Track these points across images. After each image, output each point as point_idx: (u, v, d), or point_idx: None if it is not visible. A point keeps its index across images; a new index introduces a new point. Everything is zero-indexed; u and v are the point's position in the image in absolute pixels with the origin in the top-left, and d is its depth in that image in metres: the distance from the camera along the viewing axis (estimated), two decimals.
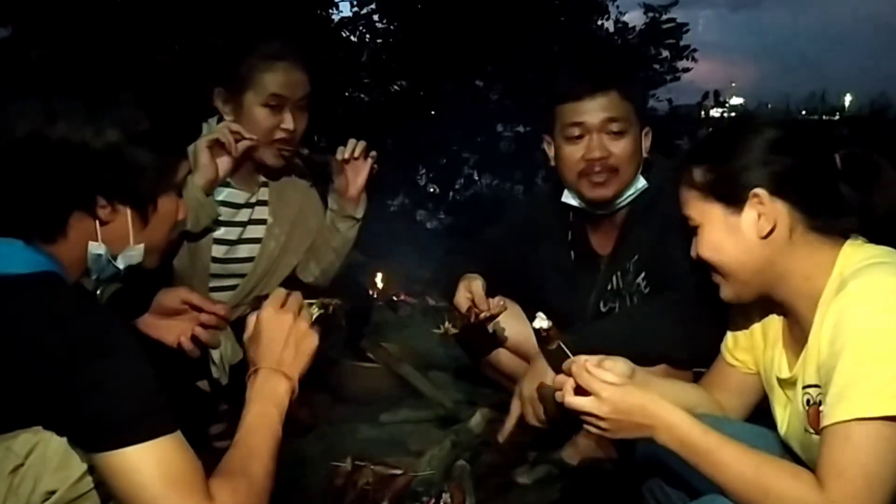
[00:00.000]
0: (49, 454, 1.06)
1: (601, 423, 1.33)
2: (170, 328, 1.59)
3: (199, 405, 2.20)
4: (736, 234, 1.38)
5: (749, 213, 1.36)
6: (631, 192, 2.05)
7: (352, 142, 2.15)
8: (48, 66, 1.18)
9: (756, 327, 1.53)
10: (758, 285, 1.41)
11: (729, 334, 1.59)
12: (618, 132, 1.99)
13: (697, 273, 1.54)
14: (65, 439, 1.06)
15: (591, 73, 2.03)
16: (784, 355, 1.46)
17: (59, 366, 1.02)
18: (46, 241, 1.15)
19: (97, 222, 1.17)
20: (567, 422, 1.48)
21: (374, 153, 2.17)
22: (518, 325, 2.16)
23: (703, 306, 1.60)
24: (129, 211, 1.19)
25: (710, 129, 1.54)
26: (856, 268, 1.30)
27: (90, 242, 1.18)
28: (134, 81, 1.21)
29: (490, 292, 2.03)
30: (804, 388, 1.37)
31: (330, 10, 6.28)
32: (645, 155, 2.06)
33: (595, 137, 1.99)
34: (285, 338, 1.27)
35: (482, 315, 1.95)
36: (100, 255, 1.19)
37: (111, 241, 1.20)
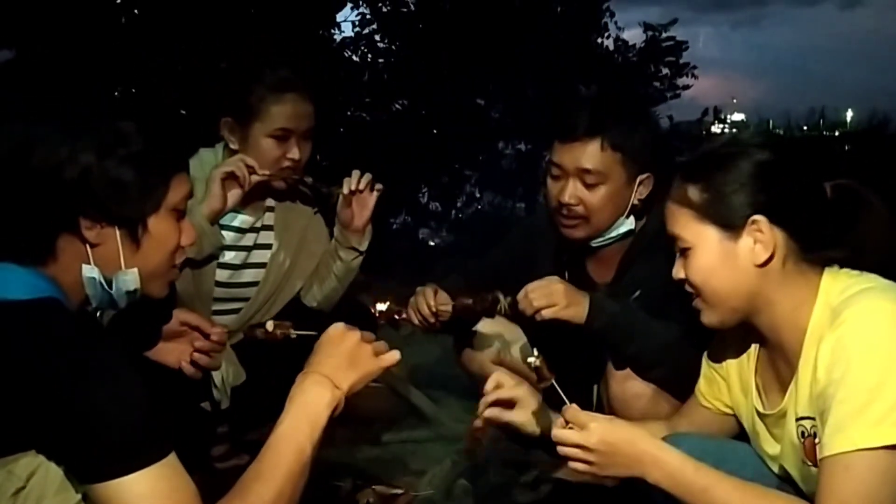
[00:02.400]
0: (50, 477, 1.06)
1: (589, 457, 1.29)
2: (170, 351, 1.60)
3: (200, 427, 2.21)
4: (730, 260, 1.32)
5: (746, 239, 1.31)
6: (613, 235, 2.01)
7: (356, 173, 2.13)
8: (26, 88, 1.19)
9: (731, 369, 1.50)
10: (743, 313, 1.35)
11: (702, 377, 1.57)
12: (591, 184, 1.93)
13: (691, 320, 1.50)
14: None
15: (578, 117, 1.96)
16: (760, 390, 1.43)
17: (52, 394, 1.02)
18: (38, 263, 1.15)
19: (87, 245, 1.17)
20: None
21: (379, 186, 2.15)
22: (516, 344, 2.13)
23: (698, 348, 1.60)
24: (117, 232, 1.18)
25: (708, 144, 1.43)
26: (844, 296, 1.27)
27: (83, 266, 1.18)
28: (118, 102, 1.21)
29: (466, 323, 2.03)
30: (797, 420, 1.34)
31: (332, 31, 6.32)
32: (635, 202, 1.98)
33: (570, 182, 1.95)
34: (345, 351, 1.27)
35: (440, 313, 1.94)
36: (93, 279, 1.18)
37: (104, 265, 1.18)
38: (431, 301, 1.94)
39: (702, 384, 1.57)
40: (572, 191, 1.95)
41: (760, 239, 1.30)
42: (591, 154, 1.93)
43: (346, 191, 2.11)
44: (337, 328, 1.30)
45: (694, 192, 1.34)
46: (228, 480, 2.20)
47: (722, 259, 1.33)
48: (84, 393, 1.03)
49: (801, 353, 1.31)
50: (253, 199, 2.20)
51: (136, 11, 5.07)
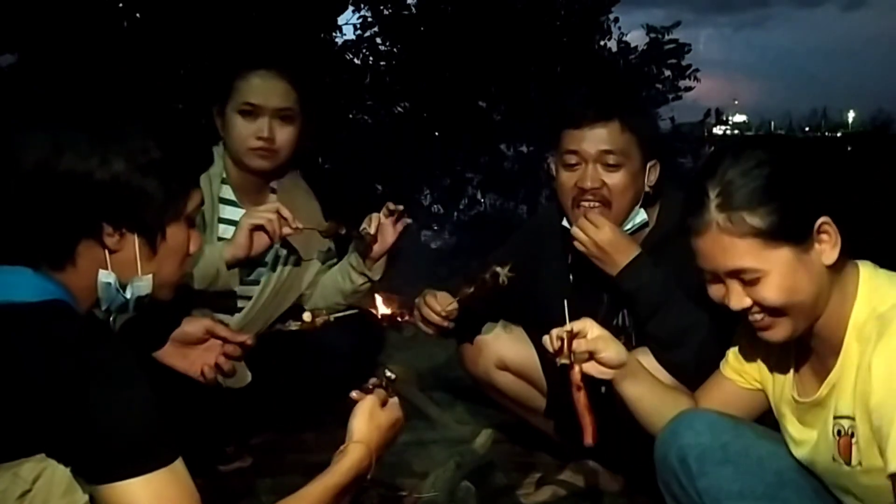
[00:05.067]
0: (56, 480, 1.06)
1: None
2: (189, 357, 1.62)
3: (208, 430, 2.21)
4: (808, 270, 1.30)
5: (817, 245, 1.30)
6: (628, 227, 2.00)
7: (390, 204, 2.10)
8: (55, 98, 1.21)
9: (762, 348, 1.50)
10: (816, 318, 1.34)
11: (731, 350, 1.57)
12: (613, 165, 1.94)
13: (714, 317, 1.54)
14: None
15: (593, 101, 1.98)
16: (796, 377, 1.43)
17: (61, 396, 1.03)
18: (56, 268, 1.17)
19: (106, 251, 1.19)
20: None
21: (408, 220, 2.13)
22: (520, 349, 2.15)
23: (713, 347, 1.62)
24: (136, 239, 1.20)
25: (744, 167, 1.33)
26: (893, 302, 1.26)
27: (100, 271, 1.19)
28: (142, 110, 1.23)
29: (493, 316, 2.01)
30: (836, 417, 1.33)
31: (333, 34, 6.31)
32: (647, 189, 2.00)
33: (590, 167, 1.94)
34: (393, 431, 1.38)
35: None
36: (109, 284, 1.20)
37: (120, 271, 1.21)
38: (437, 305, 1.94)
39: (730, 357, 1.57)
40: (594, 174, 1.94)
41: (828, 240, 1.30)
42: (612, 134, 1.94)
43: (373, 229, 2.08)
44: (395, 406, 1.39)
45: (755, 219, 1.28)
46: (232, 483, 2.21)
47: (801, 272, 1.30)
48: (92, 395, 1.04)
49: (841, 348, 1.32)
50: (256, 195, 2.20)
51: (137, 15, 5.08)
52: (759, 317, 1.34)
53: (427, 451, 2.35)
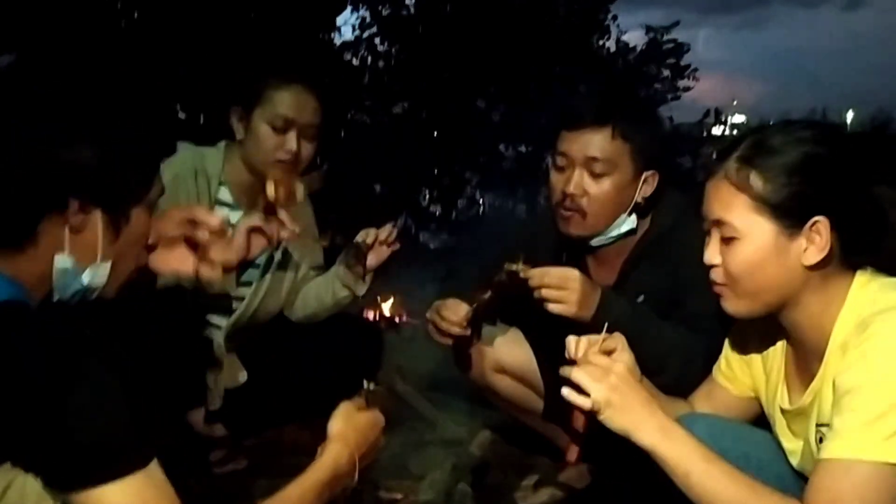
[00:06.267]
0: (27, 490, 1.03)
1: (609, 378, 1.27)
2: (177, 258, 1.53)
3: (196, 432, 2.20)
4: (780, 258, 1.26)
5: (802, 239, 1.26)
6: (614, 234, 1.95)
7: (388, 227, 2.10)
8: (22, 74, 1.17)
9: (754, 355, 1.48)
10: (772, 308, 1.32)
11: (723, 356, 1.55)
12: (599, 174, 1.87)
13: (712, 322, 1.50)
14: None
15: (588, 104, 1.93)
16: (785, 385, 1.42)
17: (26, 403, 1.00)
18: (15, 249, 1.12)
19: (67, 230, 1.14)
20: None
21: (396, 247, 2.11)
22: (518, 352, 2.13)
23: (704, 355, 1.59)
24: (101, 218, 1.16)
25: (777, 131, 1.30)
26: (875, 308, 1.24)
27: (56, 256, 1.14)
28: (115, 90, 1.20)
29: (491, 317, 1.99)
30: (818, 426, 1.32)
31: (332, 34, 6.31)
32: (639, 200, 1.93)
33: (576, 172, 1.89)
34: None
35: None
36: (66, 270, 1.16)
37: (80, 254, 1.16)
38: (453, 315, 1.92)
39: (722, 364, 1.55)
40: (578, 180, 1.89)
41: (817, 241, 1.25)
42: (600, 142, 1.87)
43: (370, 240, 2.07)
44: (377, 411, 1.40)
45: (757, 181, 1.26)
46: (226, 485, 2.19)
47: (772, 255, 1.27)
48: (59, 399, 1.00)
49: (823, 357, 1.29)
50: (253, 199, 2.18)
51: (135, 16, 5.07)
52: (718, 279, 1.33)
53: (423, 452, 2.33)
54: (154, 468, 1.06)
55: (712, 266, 1.34)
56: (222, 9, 5.01)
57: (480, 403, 2.50)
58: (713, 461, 1.23)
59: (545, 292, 1.80)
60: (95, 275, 1.19)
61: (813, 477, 1.20)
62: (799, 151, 1.26)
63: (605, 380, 1.28)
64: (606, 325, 1.45)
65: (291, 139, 2.09)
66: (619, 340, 1.41)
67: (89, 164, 1.12)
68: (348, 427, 1.34)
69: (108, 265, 1.19)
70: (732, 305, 1.34)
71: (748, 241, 1.28)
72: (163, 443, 1.10)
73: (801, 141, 1.28)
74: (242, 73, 2.19)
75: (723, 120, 8.32)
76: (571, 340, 1.41)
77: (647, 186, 1.94)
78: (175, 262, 1.53)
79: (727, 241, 1.30)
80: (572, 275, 1.81)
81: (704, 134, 8.90)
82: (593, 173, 1.89)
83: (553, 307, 1.81)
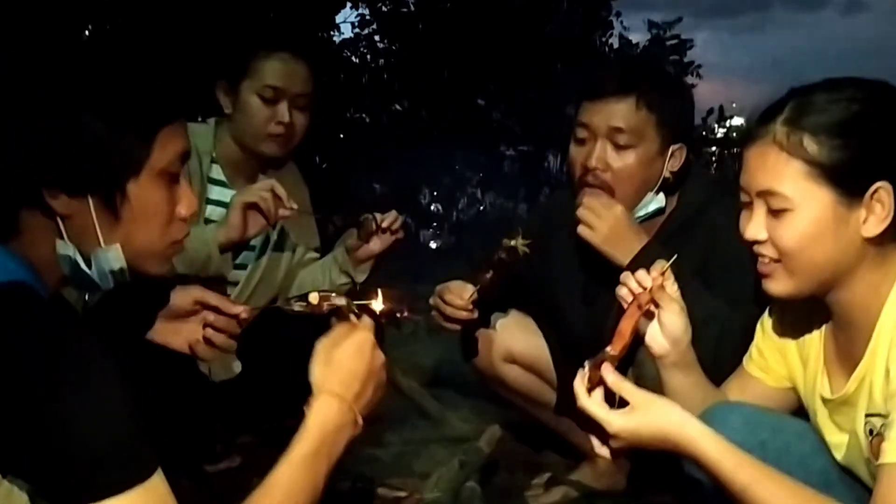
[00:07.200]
0: (13, 500, 0.91)
1: (612, 443, 1.20)
2: (178, 331, 1.45)
3: (193, 429, 2.11)
4: (839, 230, 1.16)
5: (862, 209, 1.16)
6: (641, 213, 1.85)
7: (393, 214, 2.02)
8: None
9: (789, 342, 1.39)
10: (826, 286, 1.22)
11: (754, 346, 1.45)
12: (623, 145, 1.78)
13: (748, 305, 1.41)
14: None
15: (612, 73, 1.85)
16: (825, 373, 1.31)
17: (17, 405, 0.88)
18: (1, 240, 1.00)
19: (57, 217, 1.01)
20: None
21: (401, 235, 2.04)
22: (529, 340, 2.05)
23: (741, 332, 1.50)
24: (89, 201, 1.01)
25: (832, 98, 1.19)
26: None
27: (57, 242, 1.02)
28: (83, 40, 1.07)
29: (506, 304, 1.93)
30: (867, 416, 1.22)
31: (331, 32, 6.28)
32: (667, 175, 1.83)
33: (598, 144, 1.80)
34: (372, 377, 1.14)
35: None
36: (68, 257, 1.03)
37: (79, 240, 1.03)
38: (457, 299, 1.84)
39: (753, 353, 1.44)
40: (600, 153, 1.79)
41: (877, 211, 1.16)
42: (624, 112, 1.78)
43: (374, 226, 1.99)
44: (365, 338, 1.16)
45: (813, 145, 1.15)
46: (219, 483, 2.12)
47: (830, 227, 1.16)
48: (55, 400, 0.88)
49: (871, 338, 1.19)
50: (249, 177, 2.11)
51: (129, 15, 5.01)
52: (766, 257, 1.22)
53: (429, 450, 2.29)
54: (157, 479, 0.94)
55: (756, 242, 1.23)
56: (222, 9, 4.96)
57: (488, 399, 2.43)
58: (760, 476, 1.11)
59: (580, 211, 1.76)
60: (106, 260, 1.04)
61: (877, 487, 1.09)
62: (852, 108, 1.17)
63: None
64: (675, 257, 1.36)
65: (283, 110, 2.01)
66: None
67: (52, 144, 0.98)
68: (329, 370, 1.12)
69: (117, 248, 1.04)
70: (780, 286, 1.23)
71: (803, 212, 1.17)
72: (156, 440, 0.97)
73: (851, 99, 1.18)
74: (227, 44, 2.10)
75: (724, 121, 8.28)
76: (628, 277, 1.36)
77: (674, 161, 1.84)
78: (177, 341, 1.45)
79: (776, 213, 1.19)
80: (615, 208, 1.76)
81: (704, 134, 8.87)
82: (617, 145, 1.79)
83: (582, 230, 1.77)
